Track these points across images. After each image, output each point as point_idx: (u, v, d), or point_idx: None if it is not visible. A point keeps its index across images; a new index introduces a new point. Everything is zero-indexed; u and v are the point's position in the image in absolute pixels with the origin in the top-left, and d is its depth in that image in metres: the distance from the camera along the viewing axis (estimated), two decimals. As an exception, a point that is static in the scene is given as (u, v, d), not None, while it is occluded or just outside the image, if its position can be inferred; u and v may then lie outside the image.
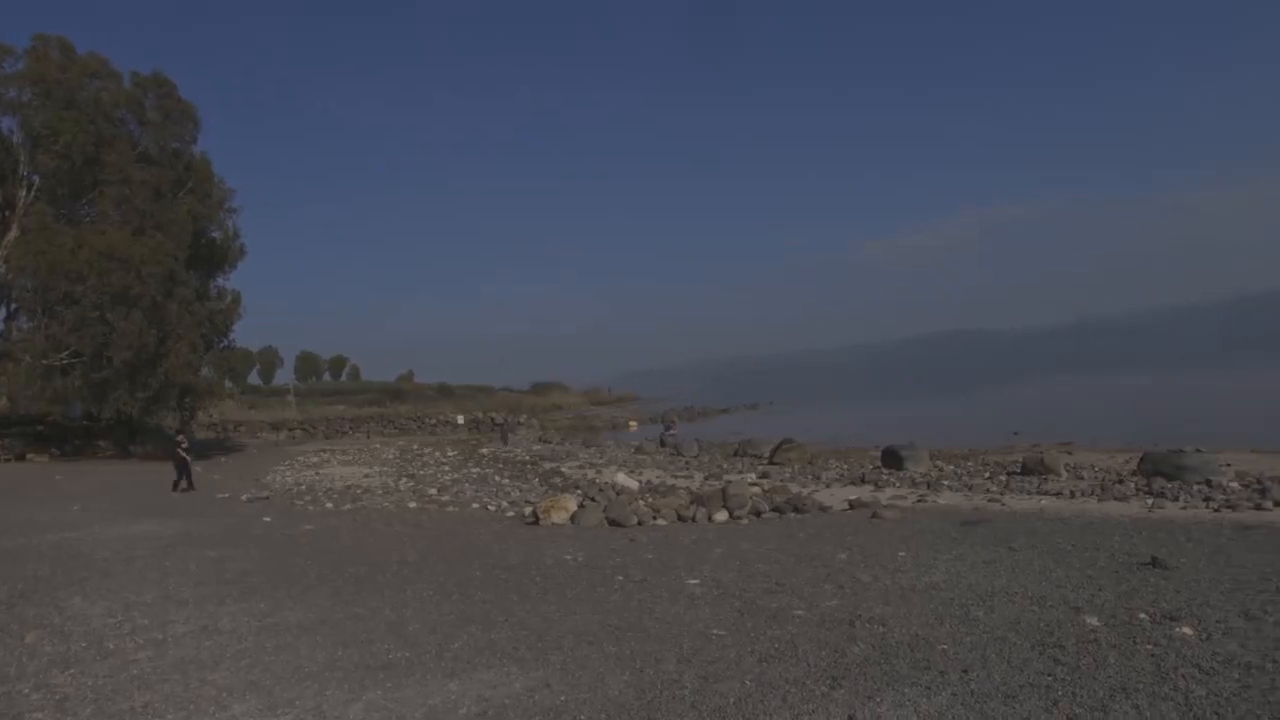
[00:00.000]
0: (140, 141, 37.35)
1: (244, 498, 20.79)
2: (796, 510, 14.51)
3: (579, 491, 19.17)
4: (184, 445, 23.46)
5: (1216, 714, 4.74)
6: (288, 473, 29.61)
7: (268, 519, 16.29)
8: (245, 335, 74.71)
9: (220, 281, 42.32)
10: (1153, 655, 5.77)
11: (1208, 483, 17.51)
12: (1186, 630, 6.29)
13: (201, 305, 38.37)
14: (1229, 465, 19.50)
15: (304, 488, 23.84)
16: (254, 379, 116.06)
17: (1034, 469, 21.15)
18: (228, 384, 62.13)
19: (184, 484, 22.51)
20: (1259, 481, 17.35)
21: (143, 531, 14.49)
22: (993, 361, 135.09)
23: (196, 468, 31.00)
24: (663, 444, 38.55)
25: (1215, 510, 13.65)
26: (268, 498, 20.90)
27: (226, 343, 43.34)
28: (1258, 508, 13.69)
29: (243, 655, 6.66)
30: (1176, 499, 15.33)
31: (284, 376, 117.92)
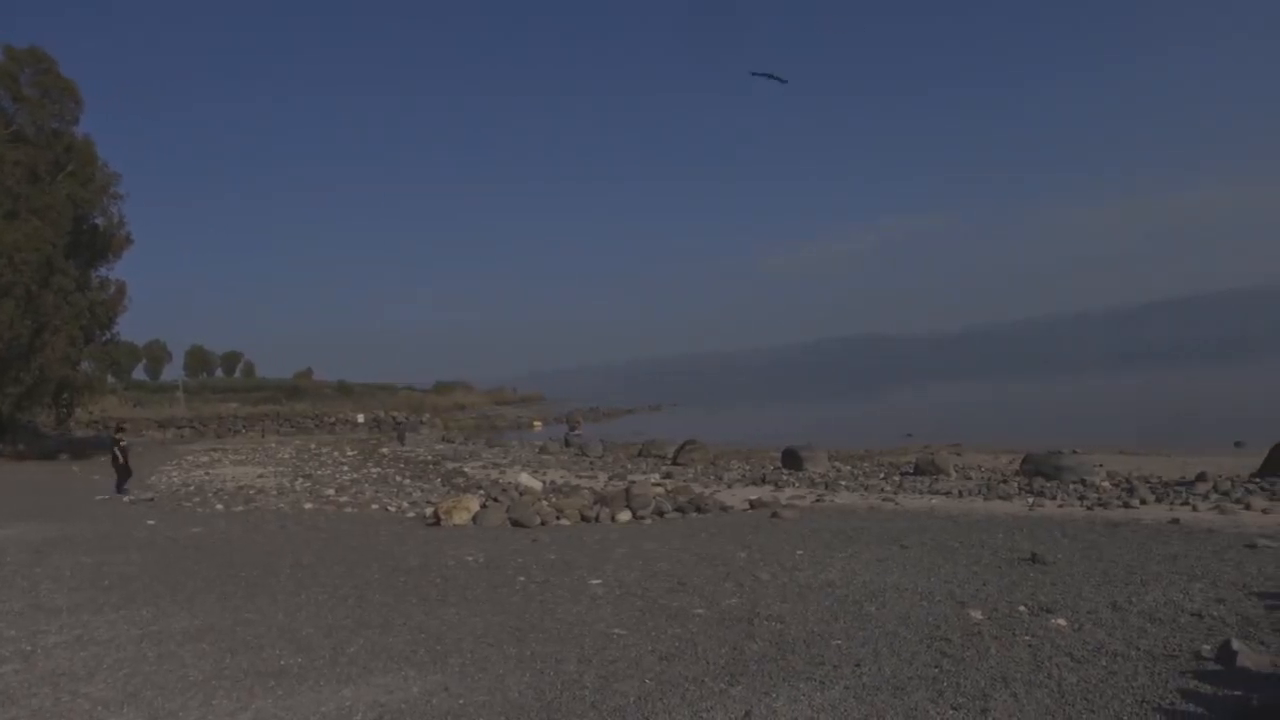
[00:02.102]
0: (14, 120, 35.04)
1: (126, 499, 19.76)
2: (699, 510, 14.70)
3: (481, 492, 18.95)
4: (123, 444, 21.88)
5: (1085, 699, 5.03)
6: (175, 473, 28.27)
7: (152, 521, 15.54)
8: (131, 328, 70.67)
9: (103, 271, 40.07)
10: (1030, 646, 6.09)
11: (1082, 482, 18.55)
12: (1061, 621, 6.66)
13: (82, 295, 36.25)
14: (1101, 466, 20.71)
15: (192, 488, 22.82)
16: (140, 374, 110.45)
17: (926, 469, 21.99)
18: (110, 379, 58.85)
19: (126, 484, 21.02)
20: (1127, 481, 18.51)
21: (11, 535, 13.63)
22: (894, 364, 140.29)
23: (74, 468, 29.36)
24: (567, 444, 38.49)
25: (1089, 508, 14.47)
26: (152, 499, 19.92)
27: (109, 336, 41.06)
28: (1126, 506, 14.58)
29: (121, 665, 6.35)
30: (1055, 498, 16.18)
31: (173, 372, 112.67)
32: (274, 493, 21.29)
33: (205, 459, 34.93)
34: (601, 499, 15.43)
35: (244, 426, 60.55)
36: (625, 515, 14.11)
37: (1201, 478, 17.44)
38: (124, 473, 21.27)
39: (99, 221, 39.09)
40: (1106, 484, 18.36)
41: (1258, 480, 16.97)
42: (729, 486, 20.48)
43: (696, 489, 18.62)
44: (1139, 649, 5.93)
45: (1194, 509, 13.74)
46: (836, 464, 25.30)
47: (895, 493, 18.08)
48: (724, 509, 14.97)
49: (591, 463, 30.03)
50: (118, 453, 21.53)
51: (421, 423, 56.08)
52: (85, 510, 17.66)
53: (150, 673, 6.15)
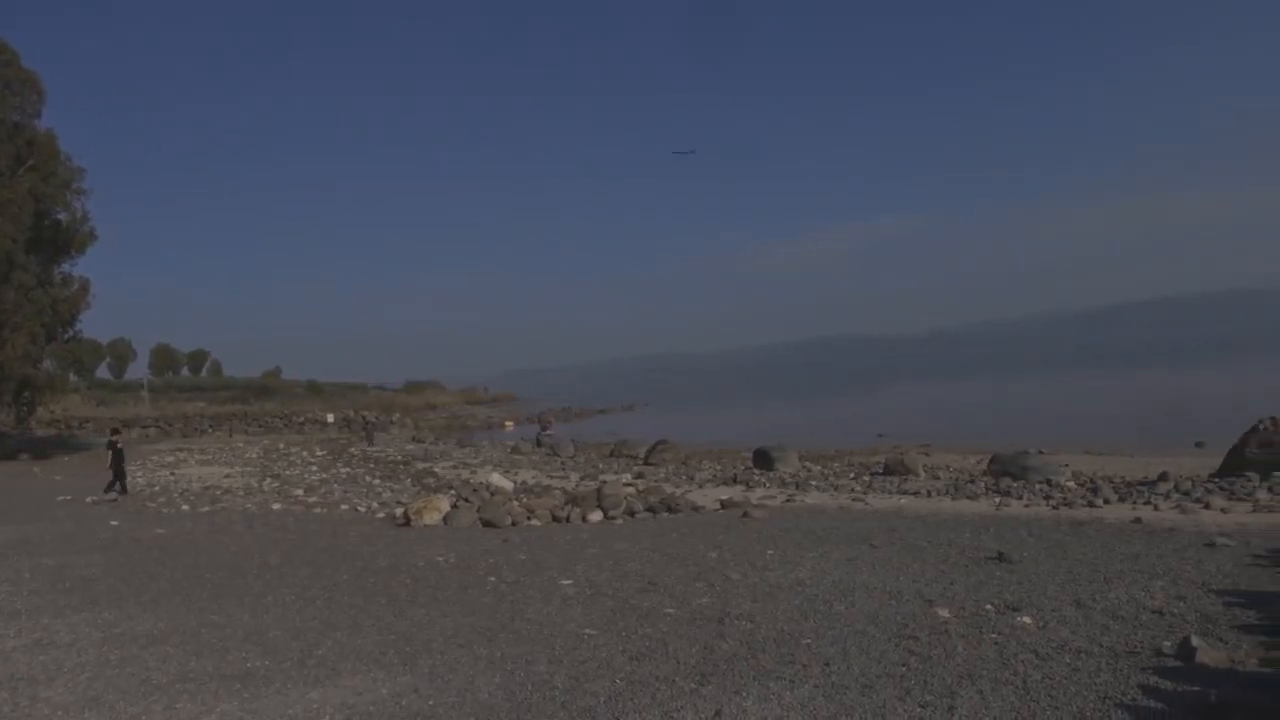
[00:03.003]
0: (-27, 112, 34.25)
1: (89, 500, 19.41)
2: (670, 510, 14.72)
3: (452, 492, 18.84)
4: (119, 445, 21.30)
5: (1050, 696, 5.11)
6: (140, 473, 27.79)
7: (115, 522, 15.28)
8: (96, 326, 69.06)
9: (66, 267, 39.26)
10: (996, 643, 6.17)
11: (1048, 482, 18.81)
12: (1026, 619, 6.76)
13: (44, 292, 35.50)
14: (1067, 466, 20.99)
15: (157, 489, 22.47)
16: (103, 373, 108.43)
17: (895, 469, 22.17)
18: (72, 378, 57.74)
19: (118, 487, 20.47)
20: (1092, 481, 18.79)
21: (-31, 537, 13.34)
22: (886, 362, 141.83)
23: (34, 469, 28.81)
24: (539, 444, 38.38)
25: (1054, 508, 14.67)
26: (116, 500, 19.58)
27: (72, 333, 40.28)
28: (1090, 505, 14.80)
29: (83, 669, 6.24)
30: (1021, 497, 16.38)
31: (138, 371, 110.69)
32: (241, 493, 21.02)
33: (171, 459, 34.39)
34: (573, 499, 15.41)
35: (211, 426, 59.69)
36: (596, 515, 14.10)
37: (1163, 478, 17.76)
38: (120, 474, 20.90)
39: (62, 217, 38.32)
40: (1071, 484, 18.63)
41: (1217, 480, 17.31)
42: (700, 486, 20.52)
43: (668, 489, 18.63)
44: (1102, 646, 6.03)
45: (1156, 508, 13.98)
46: (807, 464, 25.44)
47: (865, 493, 18.21)
48: (695, 509, 15.00)
49: (563, 463, 29.96)
50: (114, 453, 21.10)
51: (391, 422, 55.64)
52: (47, 511, 17.32)
53: (112, 676, 6.05)
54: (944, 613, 7.03)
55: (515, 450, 36.29)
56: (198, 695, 5.61)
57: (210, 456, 35.78)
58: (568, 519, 14.03)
